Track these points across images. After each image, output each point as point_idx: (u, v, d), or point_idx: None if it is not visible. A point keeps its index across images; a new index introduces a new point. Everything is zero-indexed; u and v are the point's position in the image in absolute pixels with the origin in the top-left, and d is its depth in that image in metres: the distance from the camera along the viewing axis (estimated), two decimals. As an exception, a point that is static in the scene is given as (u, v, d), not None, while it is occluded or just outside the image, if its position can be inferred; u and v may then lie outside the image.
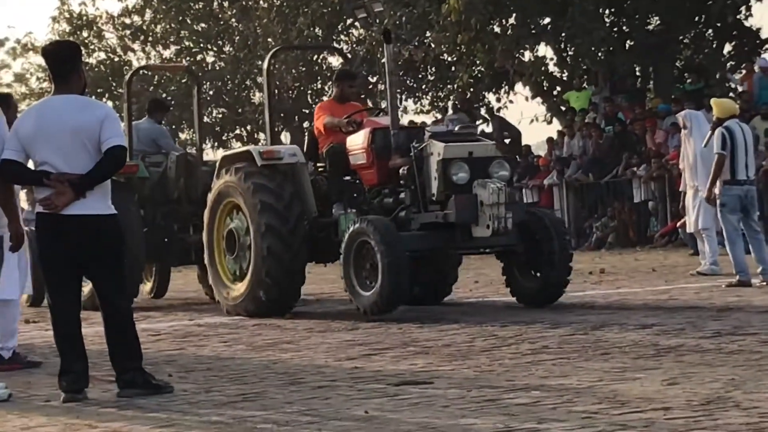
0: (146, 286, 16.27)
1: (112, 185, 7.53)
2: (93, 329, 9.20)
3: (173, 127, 36.77)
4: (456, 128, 12.62)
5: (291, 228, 12.39)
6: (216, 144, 38.81)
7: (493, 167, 11.94)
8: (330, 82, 13.61)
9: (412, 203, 12.10)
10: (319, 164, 13.35)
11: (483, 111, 32.73)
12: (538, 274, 12.14)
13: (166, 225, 15.27)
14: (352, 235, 11.71)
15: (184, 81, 38.03)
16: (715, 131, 13.85)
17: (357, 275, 11.72)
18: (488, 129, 31.28)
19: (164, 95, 37.40)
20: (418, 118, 35.33)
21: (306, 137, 14.50)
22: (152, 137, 15.59)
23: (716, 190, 13.70)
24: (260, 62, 35.72)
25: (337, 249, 11.96)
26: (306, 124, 35.24)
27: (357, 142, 12.57)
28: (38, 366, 9.11)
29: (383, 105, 34.40)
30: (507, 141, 30.64)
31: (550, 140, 29.54)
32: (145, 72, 32.78)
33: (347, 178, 12.94)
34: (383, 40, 13.12)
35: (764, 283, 13.35)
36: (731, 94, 25.48)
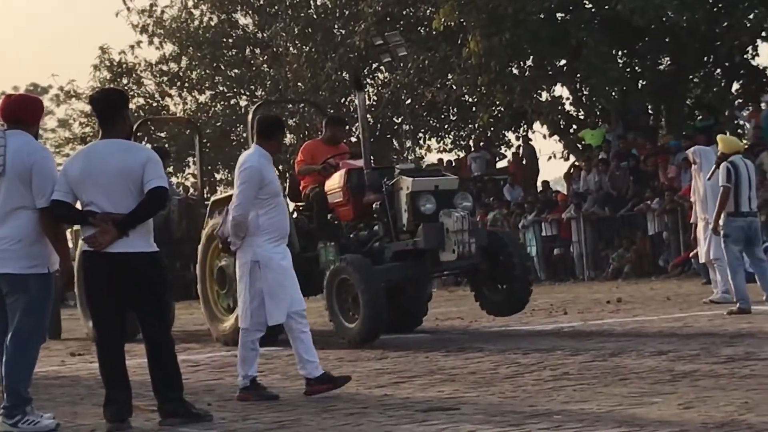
0: None
1: None
2: (135, 361, 9.20)
3: (209, 167, 36.79)
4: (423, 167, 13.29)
5: None
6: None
7: (457, 199, 12.54)
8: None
9: (385, 234, 12.64)
10: (298, 203, 13.83)
11: (504, 149, 32.92)
12: (504, 287, 12.73)
13: (170, 263, 15.53)
14: (332, 274, 12.21)
15: (218, 125, 38.18)
16: (720, 165, 13.87)
17: (341, 308, 12.21)
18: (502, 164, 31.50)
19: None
20: (441, 156, 35.48)
21: (288, 179, 14.89)
22: None
23: (721, 222, 13.73)
24: (291, 105, 35.96)
25: (320, 282, 12.39)
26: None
27: (334, 183, 13.11)
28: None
29: (408, 144, 34.76)
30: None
31: (567, 176, 29.52)
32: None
33: (329, 216, 13.37)
34: (354, 89, 13.57)
35: None
36: (740, 131, 25.45)
